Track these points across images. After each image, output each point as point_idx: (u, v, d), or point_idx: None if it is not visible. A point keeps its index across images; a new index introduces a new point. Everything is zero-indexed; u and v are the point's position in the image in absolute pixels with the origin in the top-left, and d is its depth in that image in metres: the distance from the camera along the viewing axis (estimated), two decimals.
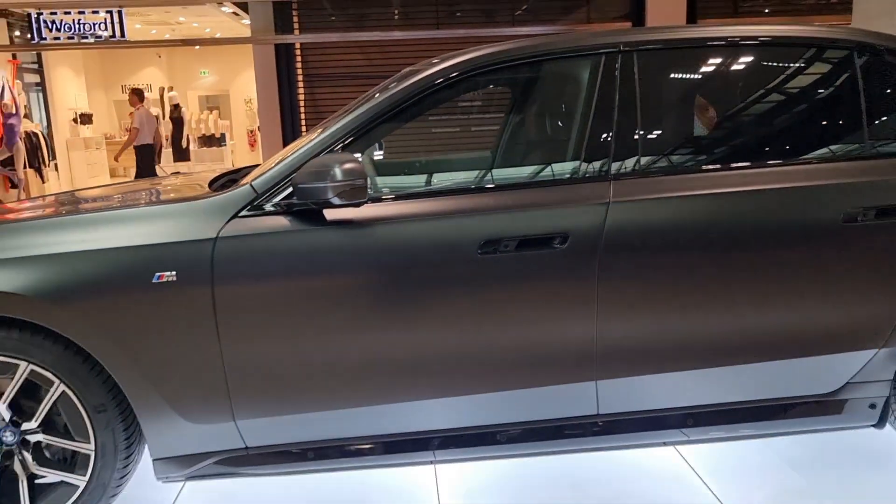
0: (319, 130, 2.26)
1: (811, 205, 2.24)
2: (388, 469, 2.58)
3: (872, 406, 2.40)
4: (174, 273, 2.07)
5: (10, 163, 10.05)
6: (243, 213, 2.14)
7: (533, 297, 2.17)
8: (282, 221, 2.13)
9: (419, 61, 2.60)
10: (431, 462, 2.42)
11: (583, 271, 2.16)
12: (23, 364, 2.12)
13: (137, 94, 9.88)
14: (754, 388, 2.36)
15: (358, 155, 2.18)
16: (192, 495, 2.59)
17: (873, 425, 2.43)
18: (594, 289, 2.17)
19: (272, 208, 2.15)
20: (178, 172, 9.58)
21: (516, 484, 2.56)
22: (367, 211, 2.14)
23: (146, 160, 9.79)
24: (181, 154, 13.27)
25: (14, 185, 10.53)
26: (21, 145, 9.97)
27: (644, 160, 2.26)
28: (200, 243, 2.09)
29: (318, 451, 2.27)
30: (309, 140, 2.23)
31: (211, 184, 2.57)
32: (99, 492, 2.23)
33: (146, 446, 2.27)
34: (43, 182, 10.56)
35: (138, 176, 9.85)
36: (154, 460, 2.24)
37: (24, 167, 10.08)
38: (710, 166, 2.33)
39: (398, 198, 2.21)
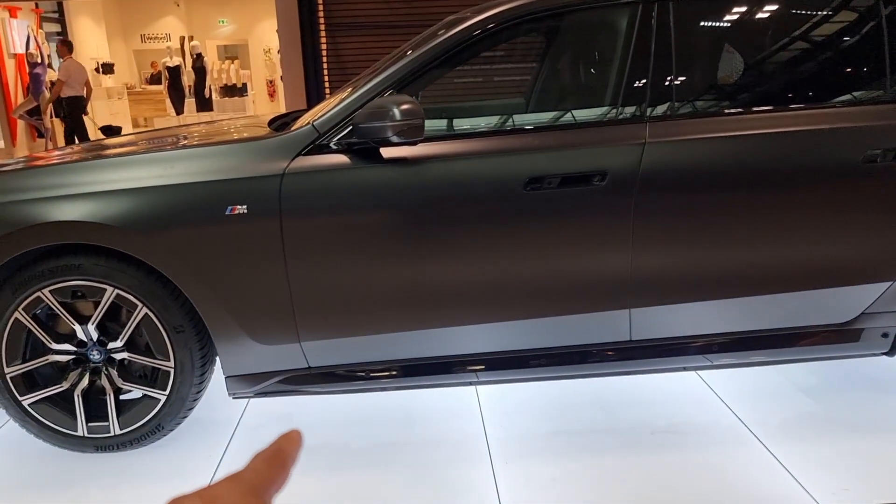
0: (375, 74, 2.43)
1: (834, 146, 2.39)
2: (431, 390, 2.81)
3: (885, 335, 2.58)
4: (245, 206, 2.26)
5: (36, 112, 10.22)
6: (306, 151, 2.32)
7: (573, 230, 2.36)
8: (342, 159, 2.31)
9: (444, 12, 2.74)
10: (473, 383, 2.64)
11: (620, 207, 2.33)
12: (109, 289, 2.34)
13: (66, 45, 9.61)
14: (775, 317, 2.55)
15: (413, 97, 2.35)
16: (254, 418, 2.83)
17: (885, 353, 2.62)
18: (630, 223, 2.35)
19: (333, 147, 2.33)
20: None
21: (550, 404, 2.78)
22: (422, 149, 2.32)
23: (75, 112, 9.45)
24: (204, 104, 13.39)
25: (41, 135, 10.72)
26: (47, 94, 10.11)
27: (678, 104, 2.41)
28: (269, 179, 2.28)
29: (372, 372, 2.49)
30: (366, 83, 2.39)
31: (272, 122, 2.74)
32: (178, 405, 2.47)
33: (217, 365, 2.51)
34: None
35: (68, 130, 9.54)
36: (226, 377, 2.47)
37: (51, 117, 10.23)
38: (740, 109, 2.48)
39: (450, 138, 2.38)
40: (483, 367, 2.53)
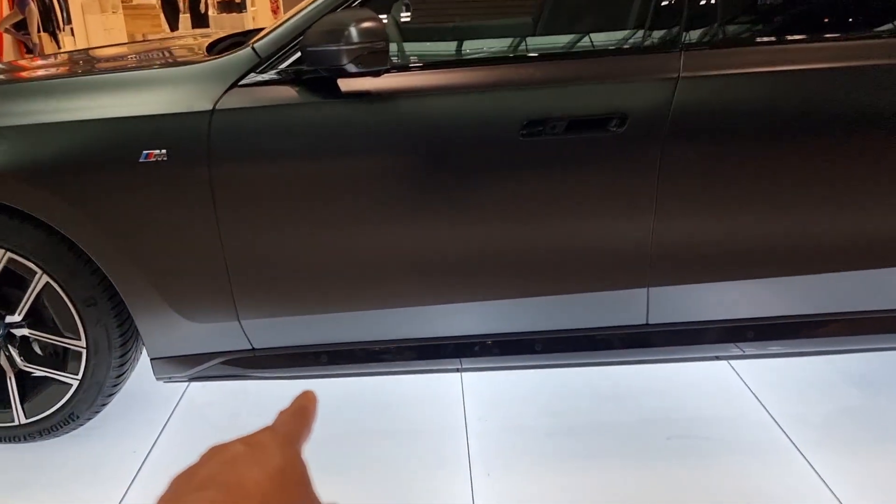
0: None
1: None
2: (411, 376, 2.37)
3: None
4: (164, 151, 1.78)
5: (23, 26, 9.65)
6: (244, 81, 1.82)
7: (582, 189, 1.86)
8: (289, 92, 1.81)
9: None
10: (458, 370, 2.20)
11: (642, 160, 1.83)
12: None
13: None
14: (826, 300, 2.06)
15: (381, 15, 1.82)
16: (201, 392, 2.41)
17: None
18: (654, 181, 1.85)
19: (277, 76, 1.82)
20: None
21: (546, 398, 2.33)
22: (389, 81, 1.81)
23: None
24: (200, 20, 12.52)
25: (29, 50, 10.18)
26: (34, 7, 9.52)
27: (722, 28, 1.88)
28: (194, 116, 1.78)
29: (333, 355, 2.05)
30: None
31: (210, 48, 2.23)
32: (94, 391, 2.04)
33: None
34: (59, 48, 10.13)
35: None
36: (152, 360, 2.03)
37: (38, 31, 9.66)
38: (805, 36, 1.93)
39: (426, 67, 1.86)
40: (466, 353, 2.07)
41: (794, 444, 2.07)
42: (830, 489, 1.90)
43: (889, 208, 1.93)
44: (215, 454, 0.43)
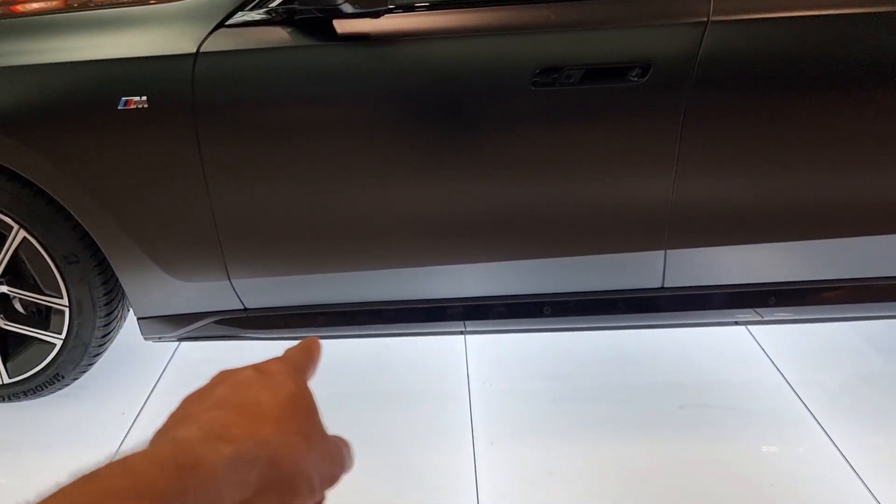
0: None
1: None
2: (414, 339, 2.27)
3: None
4: (144, 98, 1.63)
5: None
6: (231, 21, 1.66)
7: (598, 144, 1.71)
8: (280, 34, 1.65)
9: None
10: (462, 332, 2.09)
11: (665, 113, 1.68)
12: None
13: None
14: (851, 265, 1.93)
15: None
16: (193, 350, 2.32)
17: None
18: (677, 136, 1.70)
19: (267, 15, 1.66)
20: None
21: (556, 360, 2.24)
22: (390, 23, 1.64)
23: None
24: None
25: None
26: None
27: None
28: (177, 60, 1.63)
29: (330, 316, 1.94)
30: None
31: None
32: (79, 350, 1.95)
33: None
34: None
35: None
36: (139, 319, 1.93)
37: None
38: None
39: (430, 7, 1.70)
40: (472, 315, 1.96)
41: (810, 411, 1.98)
42: (846, 459, 1.81)
43: None
44: (226, 377, 0.43)
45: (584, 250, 1.83)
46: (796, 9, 1.64)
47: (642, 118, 1.69)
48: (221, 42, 1.64)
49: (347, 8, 1.56)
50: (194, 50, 1.63)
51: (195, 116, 1.65)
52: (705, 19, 1.64)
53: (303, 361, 0.49)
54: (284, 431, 0.40)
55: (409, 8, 1.68)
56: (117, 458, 0.34)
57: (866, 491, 1.72)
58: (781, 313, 2.00)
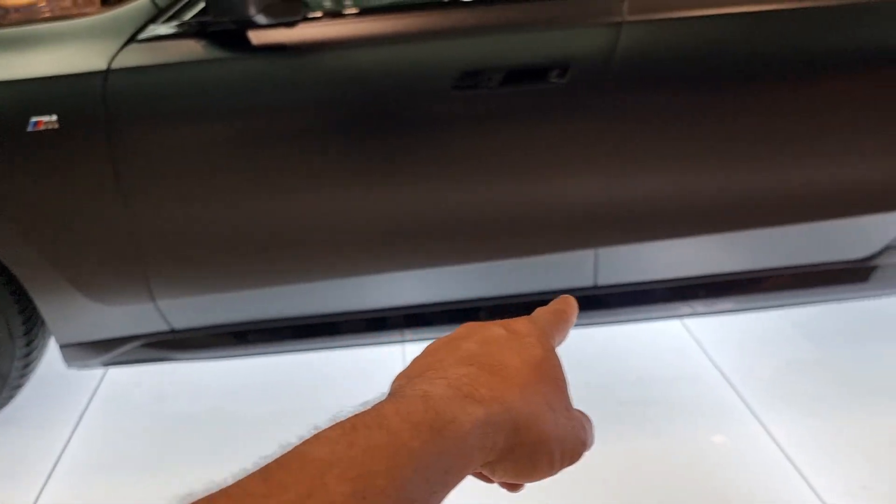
0: None
1: (877, 28, 1.75)
2: (351, 350, 2.24)
3: None
4: (54, 118, 1.58)
5: None
6: (143, 35, 1.62)
7: (521, 146, 1.72)
8: (193, 47, 1.62)
9: None
10: (400, 342, 2.08)
11: (586, 112, 1.70)
12: None
13: None
14: (778, 254, 1.99)
15: None
16: (123, 374, 2.24)
17: None
18: (599, 136, 1.72)
19: (179, 29, 1.62)
20: None
21: None
22: (306, 33, 1.63)
23: None
24: None
25: None
26: None
27: None
28: (87, 77, 1.58)
29: (261, 333, 1.90)
30: None
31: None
32: None
33: None
34: None
35: None
36: (61, 347, 1.85)
37: None
38: None
39: (347, 15, 1.68)
40: (409, 324, 1.95)
41: (744, 401, 2.02)
42: (779, 445, 1.85)
43: (838, 158, 1.85)
44: (474, 332, 0.42)
45: (515, 253, 1.84)
46: (709, 7, 1.69)
47: (565, 118, 1.71)
48: (133, 57, 1.60)
49: (261, 19, 1.54)
50: (105, 66, 1.58)
51: (109, 134, 1.60)
52: (620, 20, 1.67)
53: (553, 325, 0.46)
54: (530, 399, 0.38)
55: (324, 17, 1.66)
56: (369, 406, 0.34)
57: (798, 475, 1.76)
58: (713, 305, 2.05)
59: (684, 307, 2.04)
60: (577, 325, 1.76)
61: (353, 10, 1.69)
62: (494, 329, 0.42)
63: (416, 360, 0.40)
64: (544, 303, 1.74)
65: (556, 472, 0.39)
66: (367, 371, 2.20)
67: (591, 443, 0.42)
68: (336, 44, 1.63)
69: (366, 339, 1.99)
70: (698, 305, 2.04)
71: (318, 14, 1.66)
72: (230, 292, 1.81)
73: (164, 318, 1.83)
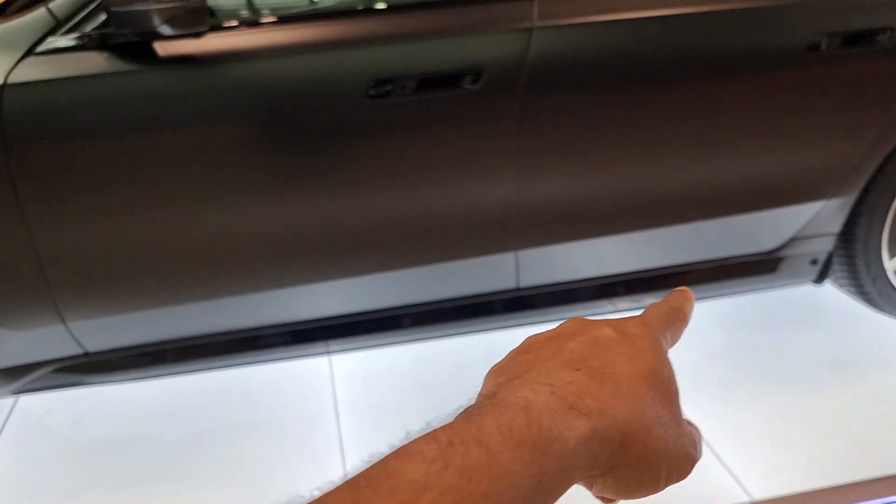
0: None
1: (772, 29, 1.84)
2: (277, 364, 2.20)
3: (814, 262, 2.16)
4: None
5: None
6: (41, 47, 1.55)
7: (439, 152, 1.73)
8: (95, 59, 1.56)
9: None
10: (325, 353, 2.05)
11: (500, 117, 1.72)
12: None
13: None
14: (691, 250, 2.06)
15: None
16: (35, 401, 2.14)
17: (813, 282, 2.21)
18: (514, 139, 1.74)
19: (80, 41, 1.57)
20: None
21: (422, 368, 2.24)
22: (214, 43, 1.59)
23: None
24: None
25: None
26: None
27: None
28: None
29: (179, 352, 1.85)
30: None
31: (2, 9, 1.91)
32: None
33: None
34: None
35: None
36: None
37: None
38: None
39: (256, 25, 1.66)
40: (332, 335, 1.93)
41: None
42: (720, 459, 1.92)
43: (747, 154, 1.93)
44: (582, 330, 0.38)
45: (435, 259, 1.85)
46: (615, 12, 1.74)
47: (479, 123, 1.73)
48: (31, 71, 1.54)
49: (166, 30, 1.50)
50: (1, 81, 1.51)
51: (6, 152, 1.53)
52: (531, 25, 1.70)
53: (667, 325, 0.42)
54: (641, 412, 0.34)
55: (233, 26, 1.64)
56: (464, 413, 0.32)
57: (717, 461, 1.83)
58: (636, 301, 2.10)
59: (607, 304, 2.09)
60: (502, 326, 1.75)
61: (263, 20, 1.67)
62: (604, 329, 0.38)
63: (514, 356, 0.38)
64: (470, 307, 1.75)
65: (661, 490, 0.37)
66: (289, 385, 2.17)
67: (700, 457, 0.39)
68: (246, 54, 1.60)
69: (288, 353, 1.96)
70: (620, 302, 2.10)
71: (227, 24, 1.62)
72: (143, 311, 1.76)
73: (76, 340, 1.76)
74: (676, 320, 0.43)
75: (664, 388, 0.37)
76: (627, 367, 0.36)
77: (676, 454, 0.36)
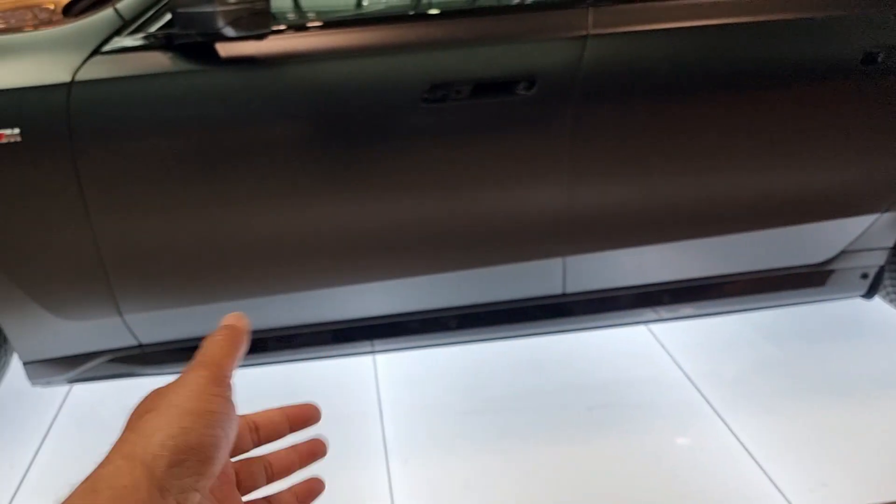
0: None
1: (827, 41, 1.82)
2: (321, 362, 2.23)
3: (864, 276, 2.13)
4: (17, 131, 1.55)
5: None
6: (107, 47, 1.60)
7: (491, 157, 1.74)
8: (159, 59, 1.60)
9: None
10: (370, 352, 2.08)
11: (553, 124, 1.73)
12: None
13: None
14: (740, 261, 2.04)
15: None
16: (88, 390, 2.20)
17: (863, 296, 2.18)
18: (566, 146, 1.75)
19: (145, 41, 1.61)
20: None
21: (463, 374, 2.25)
22: (275, 45, 1.62)
23: None
24: None
25: None
26: None
27: None
28: (50, 90, 1.56)
29: None
30: None
31: (67, 10, 1.97)
32: None
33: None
34: None
35: None
36: (25, 364, 1.82)
37: None
38: None
39: (317, 28, 1.69)
40: (379, 334, 1.95)
41: (709, 402, 2.07)
42: (743, 444, 1.90)
43: (800, 166, 1.91)
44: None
45: (483, 262, 1.86)
46: (670, 21, 1.73)
47: (532, 130, 1.73)
48: (98, 69, 1.58)
49: (230, 32, 1.53)
50: (69, 79, 1.56)
51: (73, 148, 1.57)
52: (585, 33, 1.70)
53: (221, 356, 0.48)
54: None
55: (295, 29, 1.66)
56: None
57: (760, 470, 1.81)
58: (678, 310, 2.10)
59: (650, 312, 2.09)
60: (546, 332, 1.77)
61: (321, 23, 1.69)
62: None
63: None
64: (515, 311, 1.76)
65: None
66: (334, 383, 2.19)
67: None
68: (306, 56, 1.63)
69: (333, 351, 1.98)
70: (664, 311, 2.09)
71: (287, 27, 1.65)
72: (196, 306, 1.80)
73: (131, 332, 1.81)
74: (235, 342, 0.49)
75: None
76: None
77: None
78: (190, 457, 0.40)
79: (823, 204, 1.98)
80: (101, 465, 0.40)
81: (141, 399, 0.44)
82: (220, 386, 0.44)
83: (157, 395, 0.44)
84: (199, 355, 0.46)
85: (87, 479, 0.39)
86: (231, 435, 0.43)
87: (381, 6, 2.12)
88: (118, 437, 0.42)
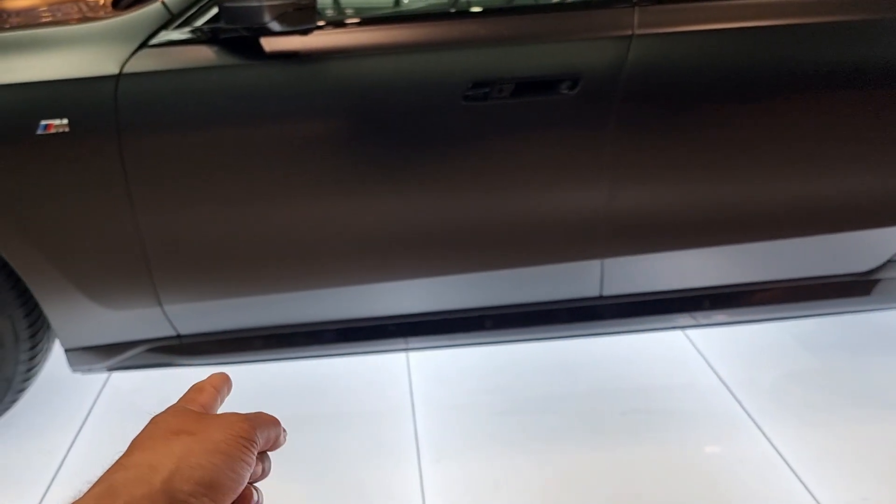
0: None
1: (878, 42, 1.77)
2: (353, 358, 2.24)
3: None
4: (65, 121, 1.57)
5: None
6: (155, 40, 1.62)
7: (531, 156, 1.73)
8: (206, 53, 1.62)
9: None
10: (405, 350, 2.08)
11: (595, 124, 1.71)
12: None
13: None
14: (783, 267, 2.00)
15: None
16: (126, 378, 2.23)
17: None
18: (608, 146, 1.73)
19: (192, 35, 1.62)
20: None
21: (496, 375, 2.24)
22: (319, 40, 1.63)
23: None
24: None
25: None
26: None
27: None
28: (98, 82, 1.58)
29: (267, 339, 1.90)
30: None
31: (116, 3, 2.00)
32: (2, 387, 1.85)
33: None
34: None
35: None
36: (66, 351, 1.85)
37: None
38: None
39: (360, 24, 1.69)
40: (414, 332, 1.95)
41: (745, 410, 2.03)
42: (780, 454, 1.87)
43: (848, 171, 1.86)
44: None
45: (521, 262, 1.85)
46: (716, 21, 1.70)
47: (574, 129, 1.72)
48: (145, 62, 1.60)
49: (275, 26, 1.54)
50: (117, 71, 1.58)
51: (119, 139, 1.60)
52: (630, 33, 1.68)
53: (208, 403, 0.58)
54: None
55: (338, 25, 1.67)
56: None
57: (799, 482, 1.77)
58: (716, 316, 2.06)
59: (688, 318, 2.05)
60: (582, 334, 1.75)
61: (365, 19, 1.70)
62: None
63: None
64: (551, 313, 1.74)
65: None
66: (367, 379, 2.20)
67: None
68: (349, 52, 1.63)
69: (369, 347, 1.99)
70: (702, 316, 2.06)
71: (331, 22, 1.66)
72: (235, 298, 1.81)
73: (170, 323, 1.83)
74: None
75: None
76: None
77: None
78: (209, 492, 0.43)
79: (872, 211, 1.93)
80: (122, 468, 0.44)
81: (174, 412, 0.50)
82: (254, 440, 0.49)
83: (196, 419, 0.49)
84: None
85: (106, 480, 0.43)
86: (245, 480, 0.48)
87: (423, 3, 2.11)
88: (140, 442, 0.47)
